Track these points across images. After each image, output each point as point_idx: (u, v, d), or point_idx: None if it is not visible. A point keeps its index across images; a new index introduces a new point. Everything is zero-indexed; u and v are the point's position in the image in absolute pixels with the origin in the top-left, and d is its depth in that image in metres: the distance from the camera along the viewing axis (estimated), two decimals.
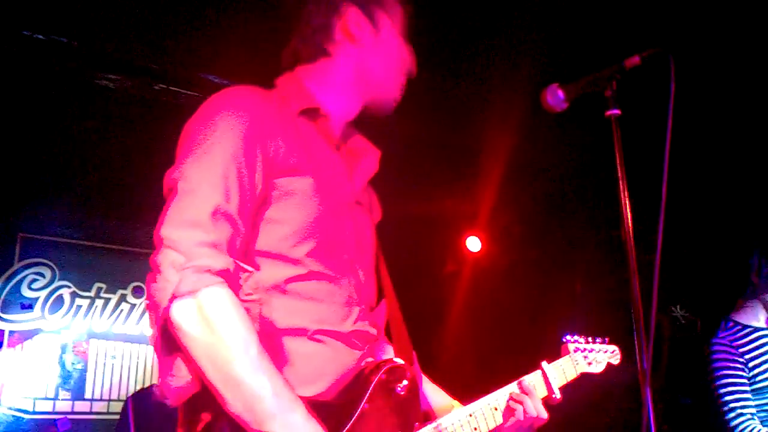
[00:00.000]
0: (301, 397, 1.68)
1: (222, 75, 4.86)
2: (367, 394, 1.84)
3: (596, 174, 5.54)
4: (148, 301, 1.65)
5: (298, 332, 1.81)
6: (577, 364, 2.62)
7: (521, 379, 2.37)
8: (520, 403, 2.26)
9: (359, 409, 1.82)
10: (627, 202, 1.94)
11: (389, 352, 2.21)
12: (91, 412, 7.23)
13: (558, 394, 2.42)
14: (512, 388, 2.33)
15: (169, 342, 1.64)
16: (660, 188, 1.94)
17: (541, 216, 6.83)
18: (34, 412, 6.94)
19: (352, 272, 2.00)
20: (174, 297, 1.58)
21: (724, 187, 5.73)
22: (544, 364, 2.48)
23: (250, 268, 1.74)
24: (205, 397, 1.63)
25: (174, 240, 1.62)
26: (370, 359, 1.99)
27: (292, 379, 1.71)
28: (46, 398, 7.05)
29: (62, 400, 7.09)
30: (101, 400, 7.29)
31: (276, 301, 1.79)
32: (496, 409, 2.24)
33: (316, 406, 1.71)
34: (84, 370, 7.33)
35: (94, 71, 4.87)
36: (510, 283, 7.02)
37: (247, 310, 1.67)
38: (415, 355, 2.15)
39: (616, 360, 2.82)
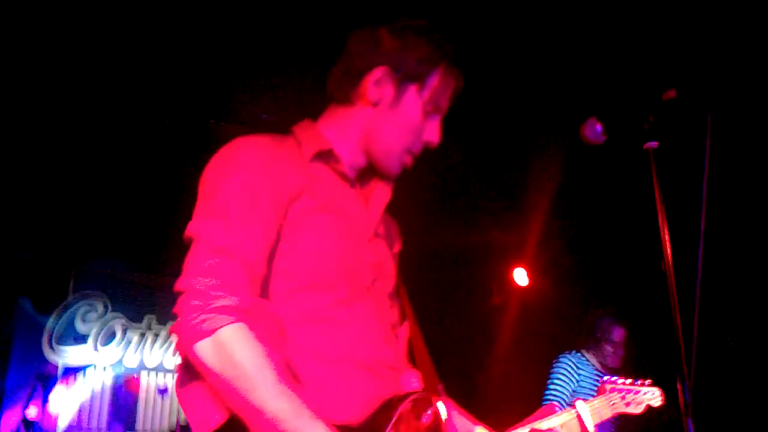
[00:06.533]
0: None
1: (270, 112, 4.97)
2: (391, 423, 1.87)
3: (638, 206, 5.51)
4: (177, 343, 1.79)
5: (319, 362, 1.87)
6: (613, 404, 2.72)
7: (550, 426, 2.44)
8: None
9: None
10: (667, 234, 1.94)
11: (415, 383, 2.21)
12: None
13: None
14: None
15: (192, 380, 1.80)
16: (699, 219, 1.95)
17: (587, 247, 6.78)
18: None
19: (373, 301, 2.04)
20: (196, 338, 1.70)
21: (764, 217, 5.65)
22: (578, 403, 2.58)
23: (267, 304, 1.84)
24: (233, 427, 1.73)
25: (191, 287, 1.75)
26: (395, 388, 2.01)
27: (315, 407, 1.75)
28: (99, 429, 7.17)
29: None
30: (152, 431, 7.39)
31: (295, 332, 1.87)
32: None
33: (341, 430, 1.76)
34: (135, 402, 7.43)
35: (145, 107, 5.01)
36: (558, 315, 6.97)
37: (266, 343, 1.74)
38: (441, 387, 2.16)
39: (657, 402, 2.85)
